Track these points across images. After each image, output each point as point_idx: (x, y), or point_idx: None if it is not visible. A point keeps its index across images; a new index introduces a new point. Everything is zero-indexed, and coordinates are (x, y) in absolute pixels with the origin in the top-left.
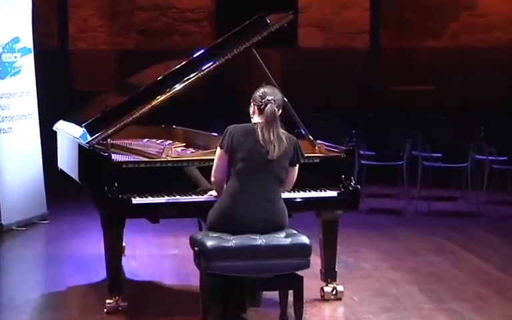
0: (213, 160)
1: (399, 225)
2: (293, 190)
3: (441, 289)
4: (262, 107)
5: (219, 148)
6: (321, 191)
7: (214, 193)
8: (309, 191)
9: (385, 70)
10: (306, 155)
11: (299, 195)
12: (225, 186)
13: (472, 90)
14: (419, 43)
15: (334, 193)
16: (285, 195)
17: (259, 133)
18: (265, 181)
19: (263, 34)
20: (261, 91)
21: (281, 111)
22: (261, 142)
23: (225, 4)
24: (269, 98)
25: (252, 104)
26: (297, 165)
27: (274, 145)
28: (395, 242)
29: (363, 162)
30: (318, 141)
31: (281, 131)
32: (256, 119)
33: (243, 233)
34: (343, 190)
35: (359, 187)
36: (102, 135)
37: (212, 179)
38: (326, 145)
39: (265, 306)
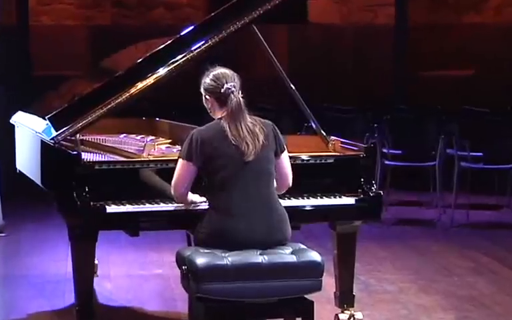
0: None
1: (430, 238)
2: (302, 196)
3: (482, 316)
4: (223, 98)
5: (181, 160)
6: (335, 197)
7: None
8: (321, 197)
9: (414, 51)
10: (318, 153)
11: (308, 202)
12: (189, 197)
13: None
14: (455, 18)
15: (351, 200)
16: (292, 203)
17: (228, 132)
18: (256, 185)
19: (265, 7)
20: (210, 76)
21: (240, 94)
22: (232, 141)
23: None
24: (229, 86)
25: (206, 96)
26: (284, 154)
27: (246, 142)
28: (425, 259)
29: (386, 162)
30: (332, 137)
31: (250, 120)
32: (217, 112)
33: (239, 249)
34: (362, 196)
35: (381, 192)
36: (70, 129)
37: (172, 191)
38: (342, 142)
39: None
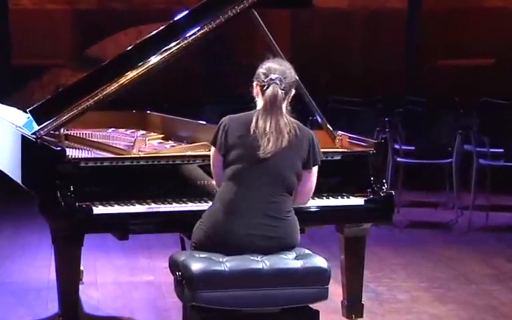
0: (200, 157)
1: (446, 243)
2: None
3: None
4: (265, 88)
5: (212, 147)
6: (342, 197)
7: None
8: (327, 197)
9: (429, 38)
10: (323, 150)
11: (313, 204)
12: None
13: None
14: (474, 2)
15: (360, 201)
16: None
17: (254, 123)
18: (266, 189)
19: None
20: (266, 65)
21: (292, 93)
22: (255, 134)
23: None
24: (273, 76)
25: (255, 83)
26: (315, 169)
27: (268, 138)
28: (440, 265)
29: (398, 159)
30: (339, 132)
31: (286, 120)
32: (259, 102)
33: (239, 253)
34: (371, 197)
35: (393, 192)
36: (53, 123)
37: (215, 184)
38: (349, 137)
39: None
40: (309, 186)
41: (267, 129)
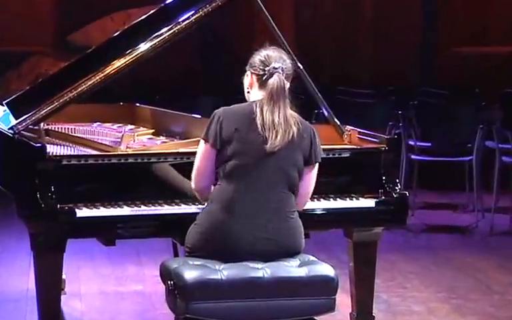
0: (194, 154)
1: (465, 248)
2: (312, 197)
3: None
4: (265, 77)
5: (202, 141)
6: (351, 199)
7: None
8: (334, 199)
9: (446, 22)
10: (330, 146)
11: (319, 205)
12: (212, 190)
13: None
14: None
15: (371, 203)
16: None
17: (258, 115)
18: (269, 186)
19: None
20: (262, 54)
21: (288, 84)
22: (259, 127)
23: None
24: (276, 65)
25: (249, 73)
26: (315, 167)
27: (276, 131)
28: (460, 274)
29: (413, 157)
30: (347, 127)
31: (290, 111)
32: (254, 94)
33: (238, 258)
34: (383, 198)
35: (407, 193)
36: (32, 117)
37: (193, 185)
38: (359, 133)
39: None
40: (309, 186)
41: (275, 120)
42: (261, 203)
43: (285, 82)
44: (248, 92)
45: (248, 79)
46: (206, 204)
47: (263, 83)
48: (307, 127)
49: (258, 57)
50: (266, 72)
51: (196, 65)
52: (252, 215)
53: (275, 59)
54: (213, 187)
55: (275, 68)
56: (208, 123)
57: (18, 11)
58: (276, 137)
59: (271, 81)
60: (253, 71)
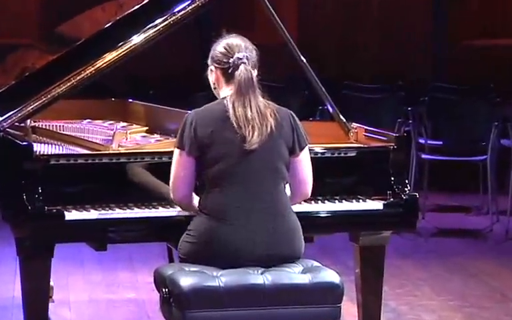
0: None
1: (479, 253)
2: (315, 199)
3: None
4: (230, 70)
5: (176, 150)
6: (358, 201)
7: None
8: (340, 201)
9: (459, 13)
10: (336, 145)
11: (323, 208)
12: (195, 202)
13: None
14: None
15: (378, 205)
16: (303, 208)
17: (231, 112)
18: (258, 184)
19: None
20: (223, 44)
21: (256, 72)
22: (234, 125)
23: None
24: (239, 55)
25: (213, 67)
26: (303, 154)
27: (252, 126)
28: (473, 281)
29: (423, 156)
30: (353, 124)
31: (263, 101)
32: (223, 89)
33: (235, 266)
34: (392, 200)
35: (417, 195)
36: (18, 113)
37: (171, 195)
38: (366, 130)
39: None
40: (303, 174)
41: (249, 115)
42: (254, 205)
43: (252, 72)
44: (215, 88)
45: (213, 75)
46: (196, 214)
47: (229, 77)
48: (284, 113)
49: (219, 49)
50: (230, 64)
51: (192, 60)
52: (245, 221)
53: (238, 48)
54: (196, 197)
55: (239, 58)
56: (180, 129)
57: (1, 0)
58: (253, 133)
59: (237, 73)
60: (216, 66)
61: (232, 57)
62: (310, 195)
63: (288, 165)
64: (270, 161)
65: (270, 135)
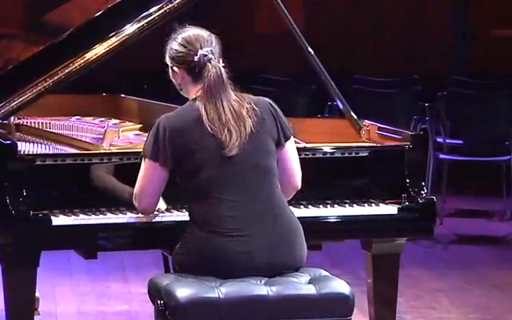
0: None
1: (502, 262)
2: (324, 203)
3: None
4: (197, 69)
5: (147, 160)
6: (370, 205)
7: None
8: (351, 205)
9: (480, 3)
10: (346, 144)
11: (333, 212)
12: (159, 204)
13: None
14: None
15: (392, 209)
16: (310, 212)
17: (204, 116)
18: (249, 187)
19: None
20: (179, 40)
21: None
22: (209, 129)
23: None
24: (204, 52)
25: (174, 67)
26: (290, 142)
27: (228, 129)
28: (495, 292)
29: (441, 157)
30: (366, 121)
31: (236, 98)
32: (191, 90)
33: (235, 276)
34: (407, 203)
35: (434, 198)
36: (1, 109)
37: (135, 203)
38: (379, 128)
39: None
40: (290, 166)
41: (223, 117)
42: (248, 210)
43: (221, 67)
44: (181, 89)
45: (177, 76)
46: (188, 228)
47: (196, 76)
48: (263, 104)
49: (177, 47)
50: (196, 62)
51: None
52: (242, 230)
53: (200, 42)
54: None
55: (204, 55)
56: (151, 137)
57: None
58: (230, 137)
59: (205, 73)
60: (179, 66)
61: (196, 54)
62: (299, 186)
63: (277, 157)
64: (258, 161)
65: (250, 135)
